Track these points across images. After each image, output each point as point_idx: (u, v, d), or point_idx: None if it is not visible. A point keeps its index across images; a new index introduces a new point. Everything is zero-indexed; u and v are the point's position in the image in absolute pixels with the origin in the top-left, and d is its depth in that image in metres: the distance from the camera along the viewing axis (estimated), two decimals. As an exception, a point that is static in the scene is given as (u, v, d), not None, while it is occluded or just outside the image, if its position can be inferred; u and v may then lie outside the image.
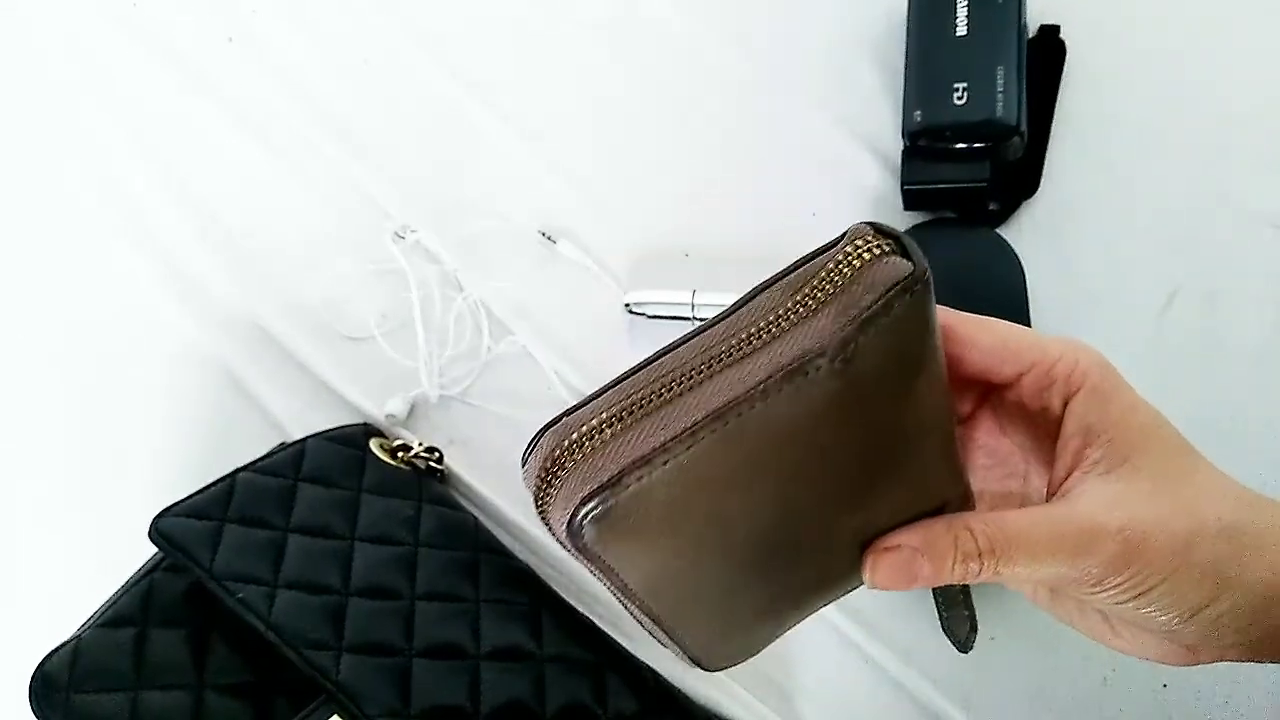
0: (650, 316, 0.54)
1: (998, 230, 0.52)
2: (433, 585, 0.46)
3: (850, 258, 0.24)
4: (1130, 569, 0.28)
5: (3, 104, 0.64)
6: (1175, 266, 0.51)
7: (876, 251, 0.24)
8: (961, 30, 0.51)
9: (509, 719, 0.43)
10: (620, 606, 0.28)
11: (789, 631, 0.33)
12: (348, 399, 0.55)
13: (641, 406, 0.23)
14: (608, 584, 0.26)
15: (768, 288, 0.25)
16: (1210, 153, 0.53)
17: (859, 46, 0.57)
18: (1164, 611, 0.29)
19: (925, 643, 0.48)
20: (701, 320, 0.50)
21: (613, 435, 0.23)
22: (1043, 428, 0.32)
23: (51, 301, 0.60)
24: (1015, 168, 0.51)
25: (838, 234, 0.25)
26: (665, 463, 0.22)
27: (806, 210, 0.55)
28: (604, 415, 0.23)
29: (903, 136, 0.51)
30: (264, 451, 0.50)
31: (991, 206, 0.52)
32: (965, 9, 0.51)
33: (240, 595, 0.42)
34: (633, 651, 0.48)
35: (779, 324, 0.24)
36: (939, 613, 0.36)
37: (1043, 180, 0.53)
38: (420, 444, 0.53)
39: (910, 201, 0.52)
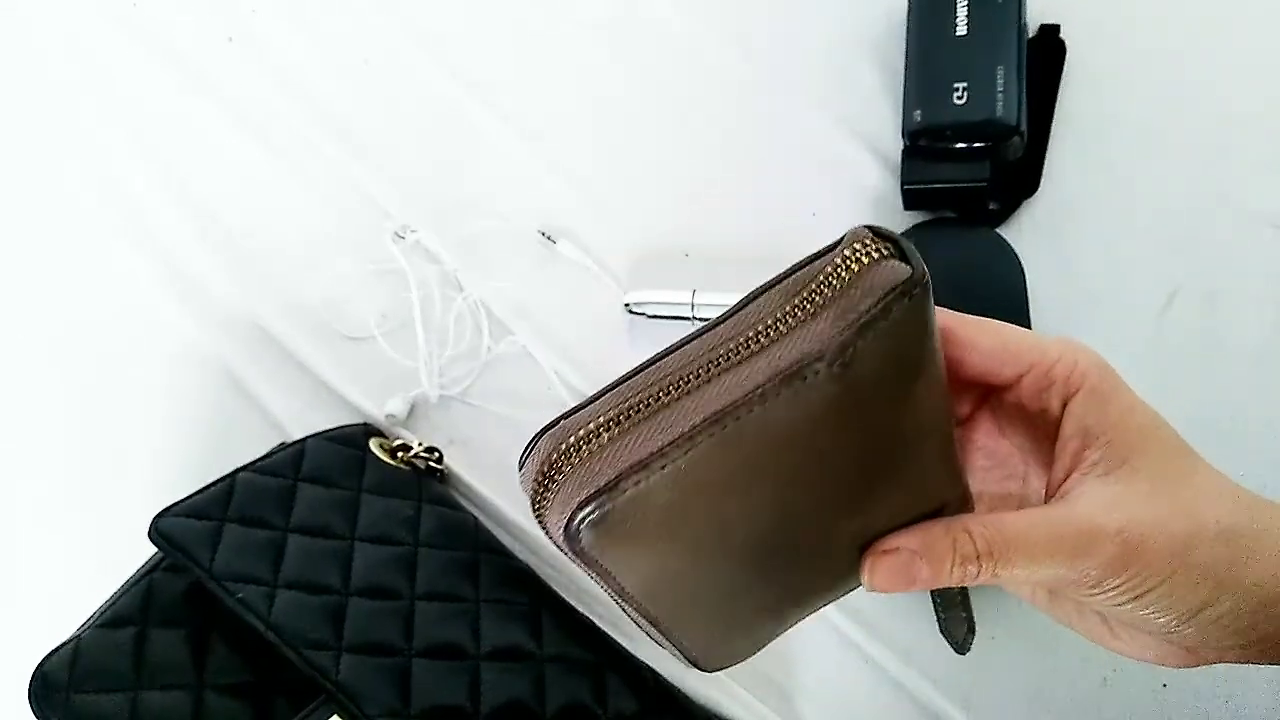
0: (650, 316, 0.54)
1: (998, 230, 0.52)
2: (433, 585, 0.46)
3: (849, 261, 0.24)
4: (1129, 571, 0.28)
5: (3, 104, 0.64)
6: (1175, 266, 0.51)
7: (875, 255, 0.24)
8: (961, 30, 0.51)
9: (509, 719, 0.43)
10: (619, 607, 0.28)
11: (789, 631, 0.33)
12: (348, 399, 0.55)
13: (639, 410, 0.23)
14: (605, 587, 0.26)
15: (766, 291, 0.25)
16: (1210, 153, 0.53)
17: (859, 46, 0.57)
18: (1162, 613, 0.29)
19: (925, 643, 0.48)
20: (701, 320, 0.51)
21: (610, 439, 0.23)
22: (1041, 429, 0.32)
23: (51, 301, 0.60)
24: (1015, 167, 0.51)
25: (837, 236, 0.25)
26: (663, 467, 0.22)
27: (806, 210, 0.55)
28: (601, 419, 0.23)
29: (903, 136, 0.51)
30: (264, 451, 0.50)
31: (991, 206, 0.52)
32: (965, 9, 0.51)
33: (240, 595, 0.42)
34: (633, 651, 0.48)
35: (777, 328, 0.23)
36: (937, 614, 0.36)
37: (1043, 180, 0.53)
38: (420, 444, 0.53)
39: (910, 201, 0.52)
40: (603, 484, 0.22)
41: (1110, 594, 0.29)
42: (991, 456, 0.34)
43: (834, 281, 0.24)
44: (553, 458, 0.23)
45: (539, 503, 0.24)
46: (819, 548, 0.28)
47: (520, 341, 0.55)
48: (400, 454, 0.52)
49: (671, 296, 0.53)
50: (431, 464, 0.53)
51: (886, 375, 0.24)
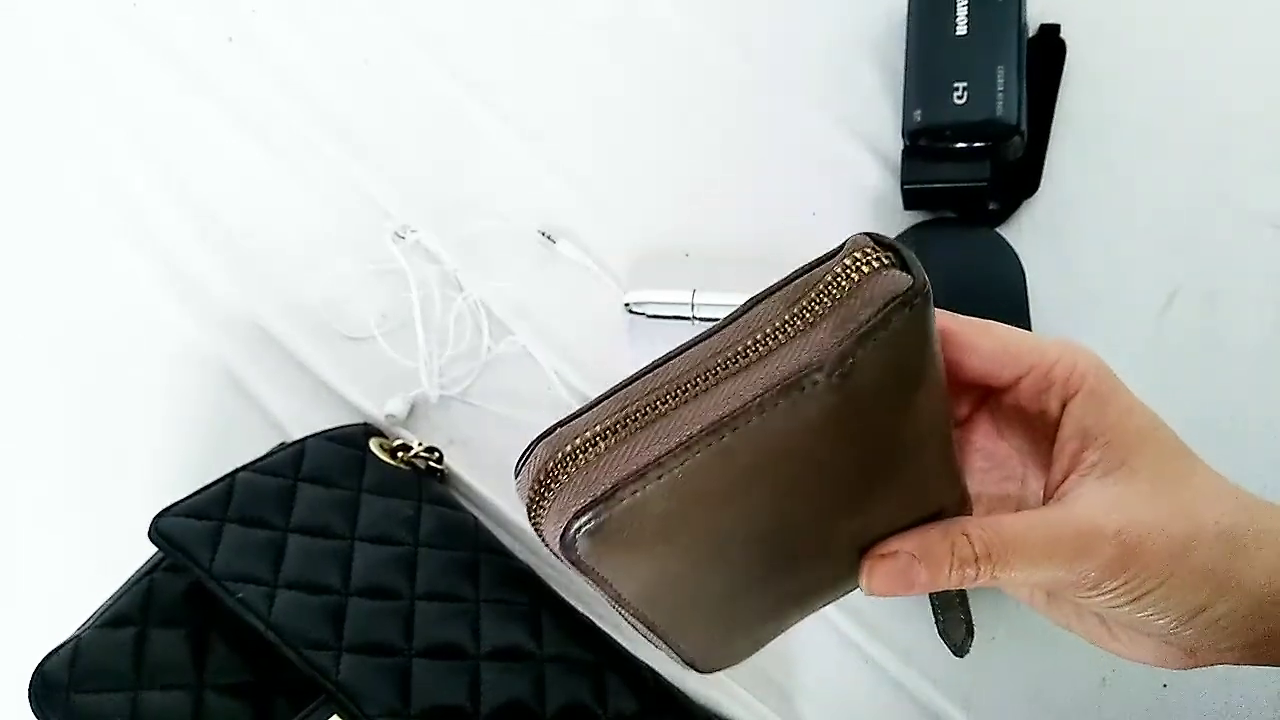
0: (650, 316, 0.54)
1: (998, 230, 0.52)
2: (433, 585, 0.46)
3: (849, 270, 0.24)
4: (1127, 572, 0.28)
5: (3, 104, 0.64)
6: (1175, 266, 0.51)
7: (875, 264, 0.24)
8: (961, 30, 0.51)
9: (509, 719, 0.43)
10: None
11: (788, 631, 0.33)
12: (348, 399, 0.55)
13: (636, 419, 0.23)
14: (602, 594, 0.25)
15: (765, 299, 0.24)
16: (1210, 153, 0.53)
17: (859, 46, 0.57)
18: (1162, 615, 0.29)
19: (925, 643, 0.48)
20: (701, 320, 0.51)
21: (607, 448, 0.23)
22: (1040, 430, 0.32)
23: (51, 301, 0.60)
24: (1015, 167, 0.51)
25: (837, 236, 0.25)
26: (660, 476, 0.22)
27: (806, 210, 0.55)
28: (598, 427, 0.23)
29: (903, 136, 0.51)
30: (264, 451, 0.50)
31: (991, 206, 0.52)
32: (965, 8, 0.51)
33: (240, 595, 0.42)
34: (633, 652, 0.48)
35: (776, 337, 0.23)
36: (935, 617, 0.36)
37: (1043, 180, 0.53)
38: (420, 444, 0.53)
39: (910, 201, 0.52)
40: (599, 493, 0.22)
41: (1109, 596, 0.29)
42: (990, 458, 0.34)
43: (833, 290, 0.24)
44: (549, 465, 0.23)
45: (535, 511, 0.24)
46: (818, 553, 0.28)
47: (520, 341, 0.55)
48: (400, 454, 0.52)
49: (671, 296, 0.53)
50: (431, 464, 0.53)
51: (886, 385, 0.24)
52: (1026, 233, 0.53)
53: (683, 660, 0.30)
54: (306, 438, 0.50)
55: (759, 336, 0.23)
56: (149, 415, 0.57)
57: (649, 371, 0.24)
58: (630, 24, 0.60)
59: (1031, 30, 0.54)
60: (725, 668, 0.32)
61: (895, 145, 0.52)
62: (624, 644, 0.48)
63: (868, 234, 0.24)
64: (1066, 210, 0.53)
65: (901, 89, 0.52)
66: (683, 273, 0.55)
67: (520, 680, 0.44)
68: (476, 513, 0.53)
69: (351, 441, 0.51)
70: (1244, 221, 0.51)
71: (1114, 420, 0.30)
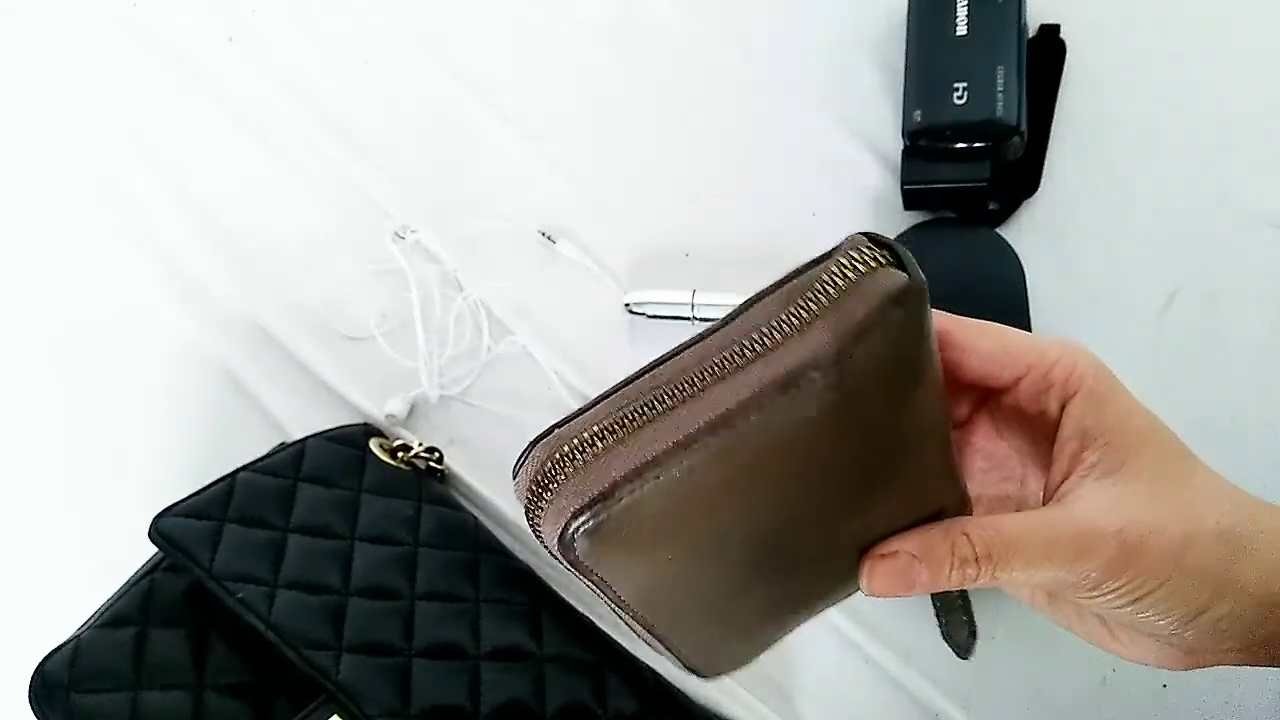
0: (650, 316, 0.54)
1: (998, 230, 0.52)
2: (433, 585, 0.46)
3: (845, 269, 0.24)
4: (1128, 573, 0.28)
5: (3, 104, 0.64)
6: (1175, 266, 0.51)
7: (872, 263, 0.24)
8: (961, 30, 0.51)
9: (509, 719, 0.43)
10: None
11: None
12: (348, 399, 0.55)
13: (634, 419, 0.23)
14: (601, 596, 0.25)
15: (762, 299, 0.24)
16: (1210, 153, 0.53)
17: (859, 46, 0.57)
18: (1162, 615, 0.29)
19: (925, 643, 0.48)
20: (701, 320, 0.51)
21: (605, 448, 0.23)
22: (1040, 430, 0.32)
23: (51, 301, 0.60)
24: (1015, 167, 0.51)
25: (837, 236, 0.25)
26: (658, 476, 0.22)
27: (806, 210, 0.55)
28: (596, 428, 0.23)
29: (903, 136, 0.51)
30: (264, 451, 0.50)
31: (991, 206, 0.52)
32: (965, 9, 0.51)
33: (240, 595, 0.42)
34: (633, 652, 0.48)
35: (773, 336, 0.23)
36: (938, 619, 0.36)
37: (1043, 180, 0.53)
38: (420, 444, 0.53)
39: (910, 201, 0.52)
40: (597, 493, 0.22)
41: (1110, 597, 0.29)
42: (989, 459, 0.34)
43: (830, 289, 0.24)
44: (547, 466, 0.23)
45: (533, 512, 0.24)
46: (817, 554, 0.28)
47: (520, 341, 0.55)
48: (400, 454, 0.52)
49: (671, 296, 0.53)
50: (431, 464, 0.53)
51: (883, 383, 0.24)
52: (1026, 233, 0.53)
53: (685, 666, 0.30)
54: (306, 438, 0.50)
55: (756, 336, 0.23)
56: (149, 415, 0.57)
57: (646, 372, 0.24)
58: (630, 24, 0.60)
59: (1031, 30, 0.54)
60: (727, 673, 0.32)
61: (895, 145, 0.52)
62: (624, 644, 0.48)
63: (864, 233, 0.25)
64: (1066, 210, 0.53)
65: (901, 89, 0.52)
66: (683, 273, 0.55)
67: (520, 680, 0.44)
68: (476, 513, 0.53)
69: (351, 441, 0.51)
70: (1244, 221, 0.51)
71: (1113, 421, 0.30)
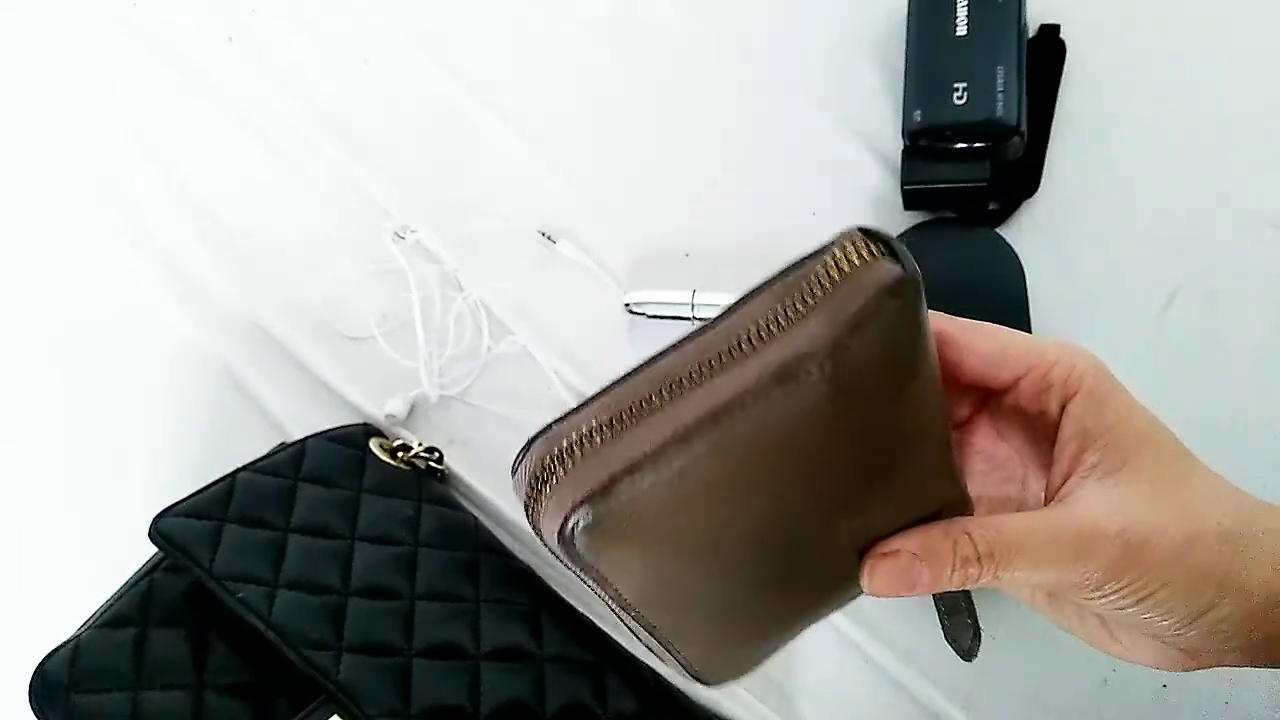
0: (650, 316, 0.54)
1: (998, 230, 0.52)
2: (433, 585, 0.46)
3: (839, 262, 0.24)
4: (1131, 573, 0.28)
5: (3, 104, 0.64)
6: (1175, 266, 0.51)
7: (866, 256, 0.24)
8: (961, 30, 0.51)
9: (509, 719, 0.43)
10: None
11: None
12: (348, 399, 0.55)
13: (632, 414, 0.23)
14: (603, 594, 0.25)
15: (758, 294, 0.25)
16: (1210, 153, 0.53)
17: (859, 46, 0.57)
18: (1165, 616, 0.29)
19: (925, 643, 0.48)
20: (701, 320, 0.50)
21: (603, 442, 0.23)
22: (1040, 430, 0.32)
23: (51, 301, 0.60)
24: (1015, 168, 0.51)
25: (830, 237, 0.25)
26: (656, 469, 0.22)
27: (806, 210, 0.55)
28: (594, 422, 0.23)
29: (903, 136, 0.51)
30: (264, 451, 0.50)
31: (991, 206, 0.52)
32: (965, 9, 0.51)
33: (240, 595, 0.42)
34: (633, 652, 0.48)
35: (769, 329, 0.23)
36: (941, 621, 0.36)
37: (1043, 180, 0.53)
38: (420, 444, 0.53)
39: (910, 201, 0.52)
40: (595, 486, 0.22)
41: (1112, 597, 0.29)
42: (990, 460, 0.34)
43: (824, 282, 0.24)
44: (546, 462, 0.23)
45: (533, 508, 0.24)
46: (817, 553, 0.28)
47: (520, 341, 0.55)
48: (400, 454, 0.52)
49: (671, 296, 0.53)
50: (431, 464, 0.53)
51: (879, 375, 0.24)
52: (1026, 233, 0.53)
53: (688, 672, 0.30)
54: (306, 438, 0.50)
55: (752, 329, 0.24)
56: (149, 415, 0.57)
57: (644, 368, 0.24)
58: (630, 24, 0.60)
59: (1031, 30, 0.54)
60: (730, 680, 0.32)
61: (895, 145, 0.52)
62: (624, 644, 0.48)
63: (859, 227, 0.25)
64: (1066, 210, 0.53)
65: (901, 89, 0.52)
66: (683, 273, 0.55)
67: (520, 680, 0.44)
68: (476, 513, 0.53)
69: (351, 441, 0.51)
70: (1244, 221, 0.51)
71: (1113, 421, 0.30)
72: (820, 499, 0.26)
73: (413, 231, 0.57)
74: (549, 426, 0.24)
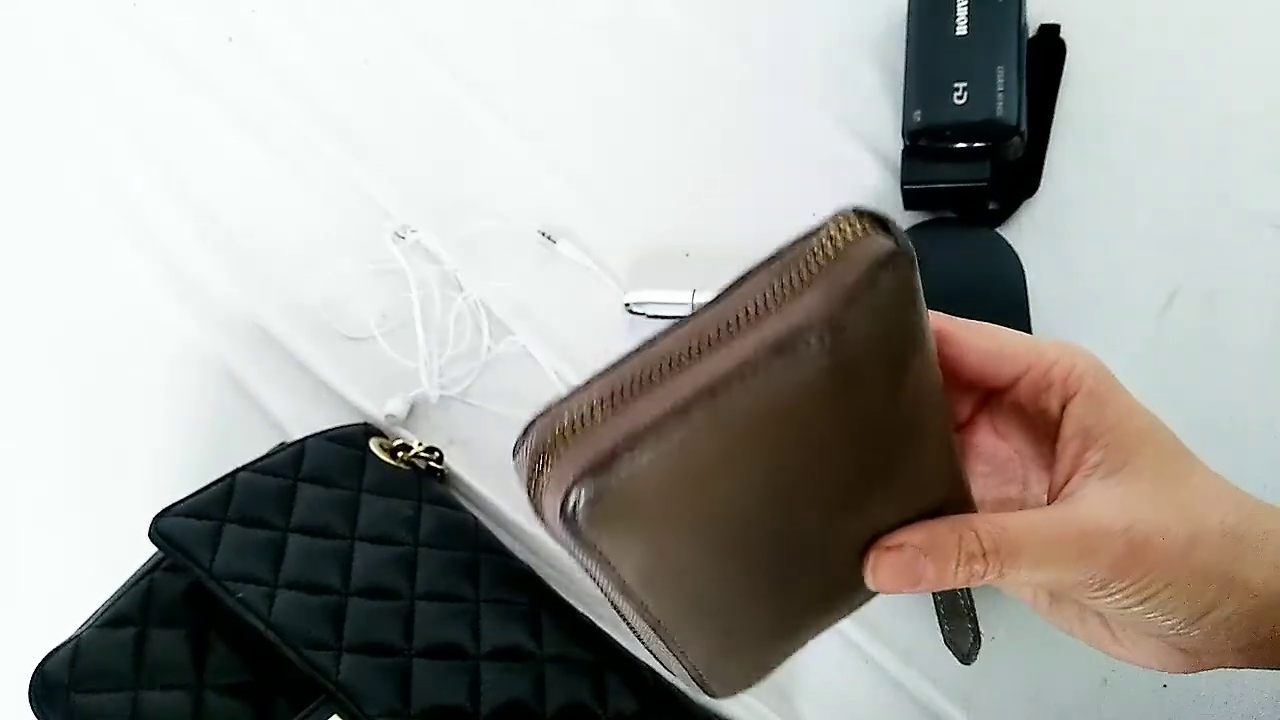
0: (650, 316, 0.54)
1: (998, 230, 0.52)
2: (433, 585, 0.46)
3: (834, 238, 0.24)
4: (1135, 571, 0.28)
5: (3, 104, 0.64)
6: (1175, 266, 0.51)
7: (860, 231, 0.24)
8: (961, 30, 0.51)
9: (509, 719, 0.43)
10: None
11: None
12: (348, 399, 0.55)
13: (632, 390, 0.23)
14: (604, 583, 0.25)
15: (754, 274, 0.25)
16: (1210, 153, 0.53)
17: (859, 46, 0.57)
18: (1169, 615, 0.29)
19: (925, 643, 0.48)
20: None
21: (604, 418, 0.23)
22: (1041, 430, 0.32)
23: (51, 301, 0.60)
24: (1015, 167, 0.51)
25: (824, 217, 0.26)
26: (657, 441, 0.22)
27: (806, 210, 0.55)
28: (594, 400, 0.23)
29: (903, 136, 0.51)
30: (264, 451, 0.50)
31: (991, 206, 0.52)
32: (965, 9, 0.51)
33: (240, 595, 0.42)
34: (633, 652, 0.48)
35: (766, 305, 0.24)
36: (941, 625, 0.36)
37: (1043, 180, 0.53)
38: (420, 444, 0.53)
39: (910, 201, 0.52)
40: (597, 460, 0.22)
41: (1117, 596, 0.29)
42: (991, 461, 0.34)
43: (819, 257, 0.24)
44: (546, 440, 0.23)
45: (533, 487, 0.24)
46: (820, 544, 0.28)
47: (520, 341, 0.55)
48: (400, 454, 0.52)
49: (671, 296, 0.53)
50: (431, 464, 0.53)
51: (876, 349, 0.24)
52: (1026, 233, 0.53)
53: (695, 681, 0.30)
54: (306, 438, 0.50)
55: (750, 306, 0.24)
56: (149, 415, 0.57)
57: (642, 349, 0.24)
58: (630, 24, 0.60)
59: (1031, 30, 0.54)
60: (736, 690, 0.31)
61: (895, 145, 0.52)
62: (624, 644, 0.48)
63: (853, 207, 0.25)
64: (1066, 210, 0.53)
65: (901, 89, 0.52)
66: (683, 273, 0.55)
67: (520, 680, 0.44)
68: (476, 513, 0.53)
69: (351, 441, 0.51)
70: (1244, 221, 0.51)
71: (1114, 421, 0.30)
72: (820, 480, 0.26)
73: (413, 231, 0.57)
74: (549, 407, 0.24)
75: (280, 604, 0.43)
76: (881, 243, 0.24)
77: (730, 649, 0.30)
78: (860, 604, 0.30)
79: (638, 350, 0.24)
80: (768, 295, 0.24)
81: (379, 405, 0.55)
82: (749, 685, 0.32)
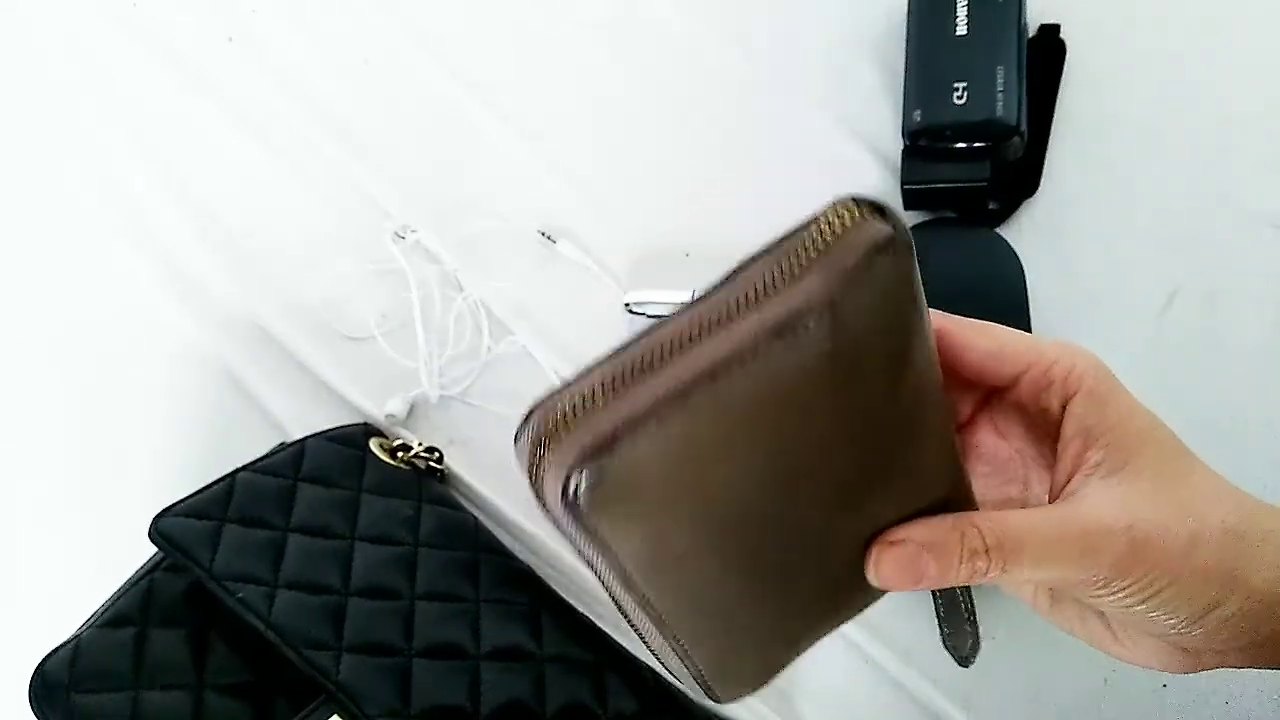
0: (650, 316, 0.54)
1: (998, 230, 0.52)
2: (433, 585, 0.46)
3: (832, 224, 0.24)
4: (1138, 570, 0.28)
5: (3, 104, 0.64)
6: (1175, 266, 0.51)
7: (858, 217, 0.24)
8: (961, 30, 0.51)
9: (509, 719, 0.43)
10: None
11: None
12: (348, 399, 0.55)
13: (632, 375, 0.23)
14: (605, 569, 0.25)
15: (753, 261, 0.25)
16: (1210, 153, 0.53)
17: (859, 46, 0.57)
18: (1171, 614, 0.29)
19: (925, 643, 0.48)
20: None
21: (604, 403, 0.23)
22: (1042, 429, 0.32)
23: (51, 301, 0.60)
24: (1015, 167, 0.51)
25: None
26: (658, 424, 0.22)
27: (806, 210, 0.55)
28: (595, 385, 0.23)
29: (903, 136, 0.51)
30: (264, 451, 0.50)
31: (991, 206, 0.52)
32: (965, 8, 0.51)
33: (240, 595, 0.42)
34: (633, 652, 0.48)
35: (765, 290, 0.24)
36: (941, 628, 0.36)
37: (1043, 180, 0.53)
38: (420, 444, 0.53)
39: (910, 201, 0.52)
40: (598, 442, 0.22)
41: (1119, 595, 0.29)
42: (991, 461, 0.34)
43: (818, 243, 0.24)
44: (548, 424, 0.23)
45: (535, 471, 0.24)
46: (820, 543, 0.28)
47: (520, 341, 0.55)
48: (400, 454, 0.52)
49: (671, 296, 0.53)
50: (431, 464, 0.53)
51: (875, 334, 0.24)
52: (1026, 233, 0.53)
53: (700, 684, 0.30)
54: (306, 438, 0.50)
55: (749, 291, 0.24)
56: (149, 415, 0.57)
57: (642, 337, 0.24)
58: (630, 24, 0.60)
59: (1031, 30, 0.54)
60: (741, 695, 0.31)
61: (895, 145, 0.52)
62: (624, 644, 0.48)
63: (850, 194, 0.25)
64: (1066, 210, 0.53)
65: (901, 89, 0.52)
66: (683, 273, 0.55)
67: (520, 680, 0.44)
68: (476, 513, 0.53)
69: (351, 441, 0.51)
70: (1244, 221, 0.51)
71: (1114, 421, 0.30)
72: (821, 481, 0.26)
73: (413, 231, 0.57)
74: (549, 395, 0.24)
75: (280, 604, 0.43)
76: (879, 228, 0.24)
77: (734, 649, 0.30)
78: (860, 608, 0.30)
79: (638, 338, 0.24)
80: (766, 280, 0.24)
81: (379, 405, 0.55)
82: (753, 689, 0.32)
